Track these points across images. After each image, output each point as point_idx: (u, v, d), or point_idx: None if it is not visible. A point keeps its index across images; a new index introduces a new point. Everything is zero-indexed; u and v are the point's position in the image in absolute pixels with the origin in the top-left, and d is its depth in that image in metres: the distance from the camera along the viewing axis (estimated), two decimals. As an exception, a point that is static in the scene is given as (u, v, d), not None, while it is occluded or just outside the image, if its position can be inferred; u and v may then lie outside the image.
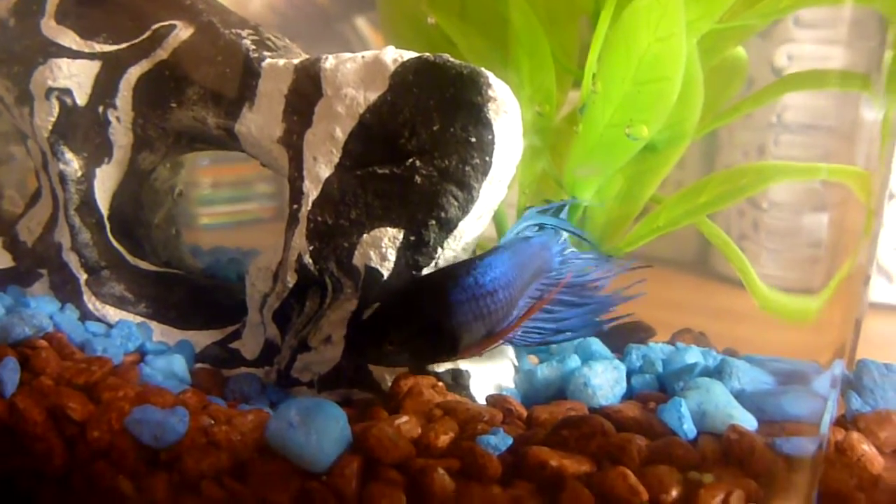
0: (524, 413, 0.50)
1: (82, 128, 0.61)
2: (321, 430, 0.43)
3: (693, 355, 0.56)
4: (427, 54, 0.52)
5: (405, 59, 0.52)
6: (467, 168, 0.50)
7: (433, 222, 0.51)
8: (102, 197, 0.62)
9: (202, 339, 0.60)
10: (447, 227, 0.51)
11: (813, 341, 0.52)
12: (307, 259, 0.53)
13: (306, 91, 0.55)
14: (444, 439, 0.45)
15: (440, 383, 0.51)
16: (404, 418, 0.46)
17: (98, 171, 0.62)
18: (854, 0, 0.47)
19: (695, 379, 0.50)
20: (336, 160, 0.53)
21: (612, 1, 0.53)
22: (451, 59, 0.51)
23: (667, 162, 0.59)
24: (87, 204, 0.62)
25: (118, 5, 0.62)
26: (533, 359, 0.59)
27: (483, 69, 0.51)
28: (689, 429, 0.46)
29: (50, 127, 0.61)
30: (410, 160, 0.51)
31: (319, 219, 0.53)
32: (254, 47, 0.58)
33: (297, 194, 0.54)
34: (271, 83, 0.57)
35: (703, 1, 0.53)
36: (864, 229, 0.53)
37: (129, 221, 0.64)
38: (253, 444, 0.46)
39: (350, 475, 0.43)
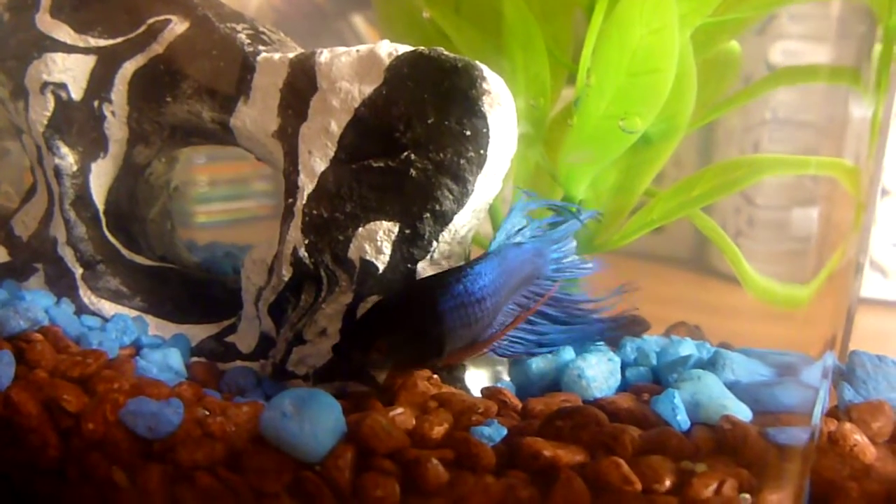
0: (519, 404, 0.50)
1: (77, 122, 0.61)
2: (315, 421, 0.43)
3: (687, 347, 0.56)
4: (422, 48, 0.52)
5: (400, 52, 0.52)
6: (462, 161, 0.51)
7: (428, 215, 0.51)
8: (98, 191, 0.62)
9: (198, 332, 0.60)
10: (442, 220, 0.51)
11: (804, 334, 0.52)
12: (302, 252, 0.54)
13: (301, 85, 0.55)
14: (438, 430, 0.45)
15: (435, 376, 0.51)
16: (399, 409, 0.46)
17: (93, 165, 0.62)
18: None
19: (688, 370, 0.50)
20: (331, 154, 0.53)
21: (606, -7, 0.53)
22: (446, 53, 0.51)
23: (661, 155, 0.59)
24: (83, 198, 0.62)
25: (113, 0, 0.62)
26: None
27: (477, 62, 0.51)
28: (682, 419, 0.46)
29: (45, 121, 0.61)
30: (405, 153, 0.51)
31: (315, 212, 0.53)
32: (249, 41, 0.58)
33: (292, 188, 0.55)
34: (266, 77, 0.57)
35: (696, -6, 0.53)
36: (854, 223, 0.53)
37: (124, 216, 0.64)
38: (247, 434, 0.47)
39: (344, 465, 0.43)
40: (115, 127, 0.62)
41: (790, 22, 0.61)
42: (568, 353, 0.54)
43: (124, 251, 0.63)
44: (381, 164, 0.52)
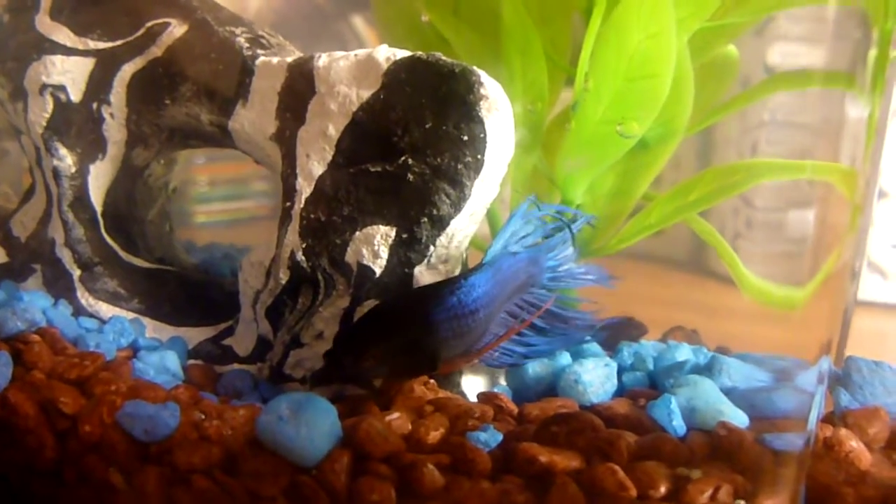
0: (515, 410, 0.50)
1: (76, 124, 0.61)
2: (311, 425, 0.44)
3: (684, 353, 0.56)
4: (420, 53, 0.52)
5: (398, 57, 0.52)
6: (459, 166, 0.51)
7: (426, 220, 0.51)
8: (96, 193, 0.62)
9: (195, 335, 0.60)
10: (440, 224, 0.51)
11: (800, 337, 0.52)
12: (300, 256, 0.54)
13: (299, 89, 0.55)
14: (434, 435, 0.45)
15: (432, 381, 0.51)
16: (395, 414, 0.46)
17: (92, 167, 0.62)
18: (837, -1, 0.47)
19: (685, 376, 0.50)
20: (329, 157, 0.53)
21: (604, -2, 0.53)
22: (444, 58, 0.51)
23: (658, 159, 0.59)
24: (81, 200, 0.62)
25: (113, 2, 0.62)
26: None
27: (475, 67, 0.51)
28: (678, 425, 0.46)
29: (44, 123, 0.61)
30: (403, 158, 0.51)
31: (312, 216, 0.53)
32: (247, 45, 0.58)
33: (290, 191, 0.55)
34: (265, 81, 0.57)
35: (693, -1, 0.53)
36: (850, 225, 0.53)
37: (122, 217, 0.64)
38: (244, 438, 0.47)
39: (340, 469, 0.43)
40: (114, 129, 0.62)
41: (788, 23, 0.61)
42: (564, 358, 0.54)
43: (122, 253, 0.63)
44: (379, 169, 0.52)
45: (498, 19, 0.58)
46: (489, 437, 0.45)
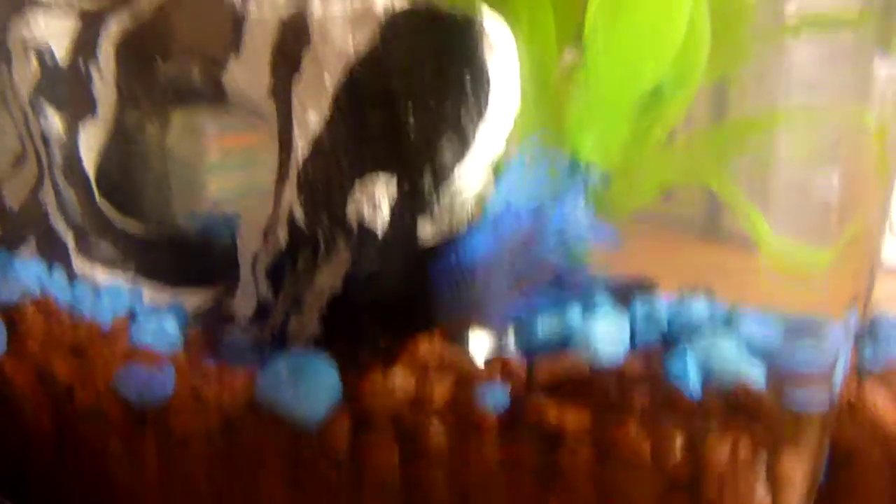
0: (524, 368, 0.48)
1: (64, 85, 0.59)
2: (312, 386, 0.42)
3: (699, 306, 0.54)
4: (419, -2, 0.50)
5: (396, 2, 0.50)
6: (462, 114, 0.48)
7: (428, 171, 0.49)
8: (88, 156, 0.60)
9: (193, 299, 0.59)
10: (442, 175, 0.49)
11: (825, 295, 0.50)
12: (298, 214, 0.52)
13: (294, 40, 0.53)
14: (439, 393, 0.44)
15: (437, 339, 0.49)
16: (398, 372, 0.45)
17: (82, 129, 0.60)
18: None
19: (701, 333, 0.48)
20: (326, 110, 0.51)
21: (615, -62, 0.50)
22: (444, 4, 0.49)
23: (674, 109, 0.56)
24: (72, 164, 0.60)
25: (99, -44, 0.60)
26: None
27: (477, 14, 0.49)
28: (694, 383, 0.44)
29: (30, 85, 0.59)
30: (403, 109, 0.49)
31: (310, 171, 0.51)
32: (239, -3, 0.56)
33: (286, 147, 0.53)
34: (257, 33, 0.55)
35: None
36: (879, 183, 0.51)
37: (116, 181, 0.63)
38: (243, 401, 0.45)
39: (341, 431, 0.42)
40: (104, 89, 0.60)
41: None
42: (575, 314, 0.52)
43: (117, 217, 0.61)
44: (378, 121, 0.50)
45: (502, -37, 0.55)
46: (496, 396, 0.43)
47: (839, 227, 0.51)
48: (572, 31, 0.59)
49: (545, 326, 0.52)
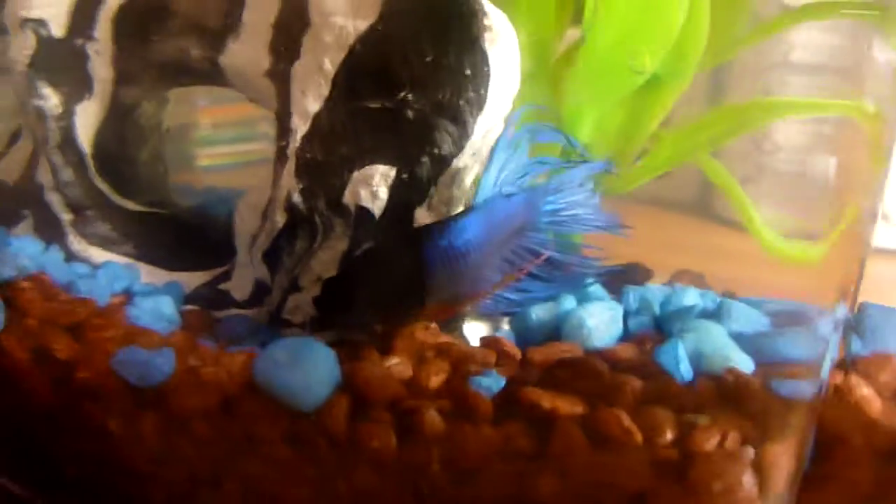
0: (518, 354, 0.49)
1: (60, 61, 0.59)
2: (309, 369, 0.43)
3: (691, 297, 0.54)
4: (419, -19, 0.49)
5: (396, -14, 0.49)
6: (462, 102, 0.49)
7: (426, 159, 0.49)
8: (84, 134, 0.60)
9: (191, 280, 0.59)
10: (441, 163, 0.50)
11: (815, 283, 0.51)
12: (296, 197, 0.52)
13: (293, 21, 0.52)
14: (435, 380, 0.44)
15: (433, 325, 0.50)
16: (395, 359, 0.45)
17: (78, 106, 0.60)
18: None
19: (692, 320, 0.49)
20: (325, 93, 0.51)
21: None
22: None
23: (670, 96, 0.56)
24: (69, 141, 0.60)
25: (95, -69, 0.59)
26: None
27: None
28: (685, 370, 0.45)
29: (26, 60, 0.58)
30: (402, 93, 0.49)
31: (308, 155, 0.51)
32: (238, -25, 0.55)
33: (285, 130, 0.53)
34: (257, 13, 0.54)
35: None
36: (873, 173, 0.51)
37: (113, 159, 0.62)
38: (241, 383, 0.46)
39: (339, 414, 0.43)
40: (100, 66, 0.59)
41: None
42: (569, 302, 0.53)
43: (114, 196, 0.61)
44: (378, 105, 0.50)
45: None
46: (491, 382, 0.44)
47: (831, 218, 0.51)
48: (571, 15, 0.59)
49: (539, 312, 0.52)
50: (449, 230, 0.48)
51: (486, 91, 0.49)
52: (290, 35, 0.53)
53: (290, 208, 0.52)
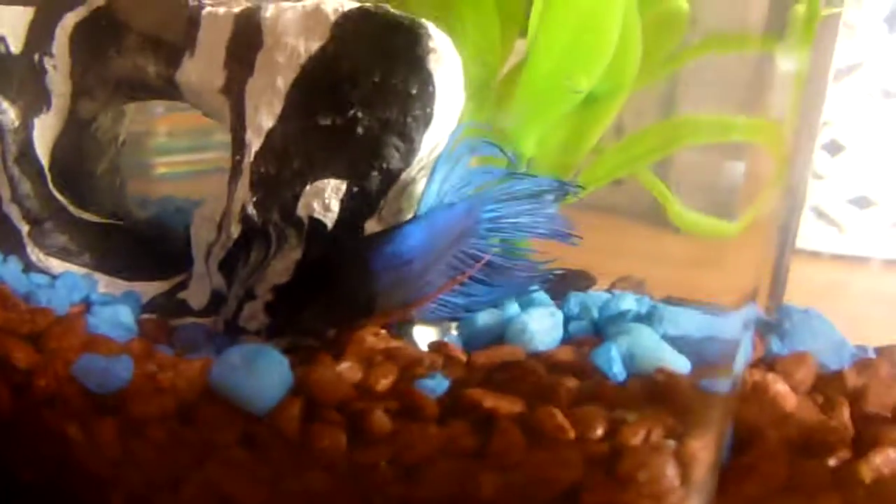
0: (463, 358, 0.52)
1: (18, 76, 0.60)
2: (263, 374, 0.45)
3: (627, 302, 0.58)
4: (368, 5, 0.52)
5: (346, 9, 0.52)
6: (409, 119, 0.51)
7: (376, 173, 0.52)
8: (42, 147, 0.61)
9: (148, 289, 0.61)
10: (389, 177, 0.52)
11: (729, 284, 0.54)
12: (251, 210, 0.54)
13: (247, 40, 0.55)
14: (384, 383, 0.47)
15: (383, 331, 0.52)
16: (346, 363, 0.48)
17: (36, 120, 0.61)
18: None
19: (626, 324, 0.52)
20: (278, 111, 0.53)
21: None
22: (392, 10, 0.51)
23: (607, 112, 0.60)
24: (26, 154, 0.61)
25: (52, -52, 0.60)
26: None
27: (423, 20, 0.51)
28: (618, 371, 0.48)
29: (-16, 75, 0.60)
30: (352, 111, 0.52)
31: (262, 170, 0.54)
32: (194, -5, 0.57)
33: (239, 145, 0.55)
34: (211, 32, 0.56)
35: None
36: (776, 176, 0.55)
37: (71, 172, 0.64)
38: (198, 389, 0.47)
39: (292, 417, 0.45)
40: (58, 81, 0.60)
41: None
42: (513, 307, 0.56)
43: (72, 208, 0.62)
44: (329, 122, 0.52)
45: (449, -30, 0.58)
46: (436, 384, 0.46)
47: (740, 212, 0.54)
48: (515, 37, 0.63)
49: (485, 318, 0.55)
50: (393, 237, 0.50)
51: (431, 109, 0.51)
52: (244, 54, 0.55)
53: (245, 220, 0.54)
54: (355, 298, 0.49)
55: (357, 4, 0.52)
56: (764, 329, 0.56)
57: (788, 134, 0.51)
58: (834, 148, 1.05)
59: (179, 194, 0.86)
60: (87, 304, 0.58)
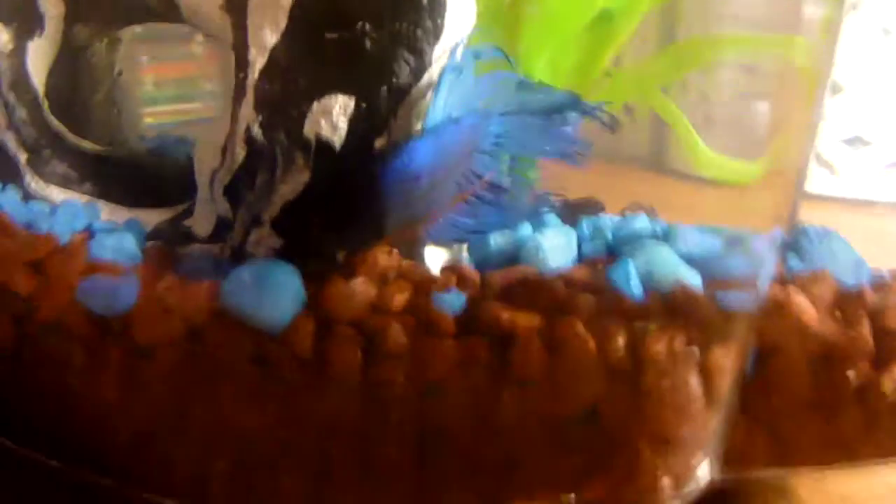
0: (477, 277, 0.51)
1: (9, -2, 0.58)
2: (275, 291, 0.44)
3: (641, 222, 0.57)
4: (376, -88, 0.50)
5: (352, -85, 0.50)
6: (419, 32, 0.49)
7: (385, 89, 0.50)
8: (37, 72, 0.59)
9: (152, 217, 0.59)
10: (399, 94, 0.50)
11: (753, 214, 0.54)
12: (256, 130, 0.52)
13: (249, -47, 0.52)
14: (399, 299, 0.46)
15: (395, 251, 0.51)
16: (359, 280, 0.47)
17: (30, 44, 0.59)
18: None
19: (642, 242, 0.51)
20: (283, 26, 0.51)
21: None
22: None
23: (622, 32, 0.58)
24: (21, 79, 0.59)
25: None
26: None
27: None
28: (636, 286, 0.47)
29: (-26, -3, 0.57)
30: (360, 24, 0.50)
31: (267, 88, 0.52)
32: None
33: (242, 64, 0.53)
34: (211, -54, 0.54)
35: None
36: (805, 105, 0.54)
37: (67, 100, 0.62)
38: (208, 309, 0.46)
39: (305, 334, 0.44)
40: (51, 3, 0.58)
41: None
42: (526, 229, 0.55)
43: (70, 135, 0.61)
44: (335, 36, 0.50)
45: None
46: (453, 300, 0.45)
47: (766, 148, 0.54)
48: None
49: (498, 239, 0.54)
50: (399, 153, 0.48)
51: (442, 21, 0.49)
52: (245, -33, 0.52)
53: (250, 141, 0.53)
54: (363, 217, 0.48)
55: (364, -89, 0.50)
56: (782, 248, 0.56)
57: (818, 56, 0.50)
58: (833, 89, 1.04)
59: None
60: (89, 232, 0.57)
